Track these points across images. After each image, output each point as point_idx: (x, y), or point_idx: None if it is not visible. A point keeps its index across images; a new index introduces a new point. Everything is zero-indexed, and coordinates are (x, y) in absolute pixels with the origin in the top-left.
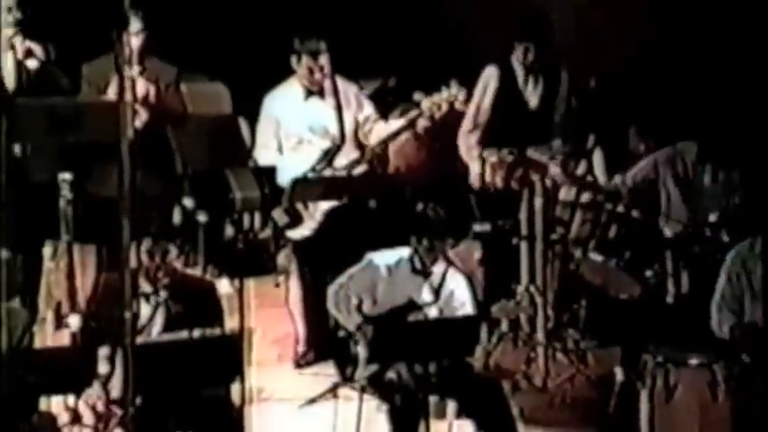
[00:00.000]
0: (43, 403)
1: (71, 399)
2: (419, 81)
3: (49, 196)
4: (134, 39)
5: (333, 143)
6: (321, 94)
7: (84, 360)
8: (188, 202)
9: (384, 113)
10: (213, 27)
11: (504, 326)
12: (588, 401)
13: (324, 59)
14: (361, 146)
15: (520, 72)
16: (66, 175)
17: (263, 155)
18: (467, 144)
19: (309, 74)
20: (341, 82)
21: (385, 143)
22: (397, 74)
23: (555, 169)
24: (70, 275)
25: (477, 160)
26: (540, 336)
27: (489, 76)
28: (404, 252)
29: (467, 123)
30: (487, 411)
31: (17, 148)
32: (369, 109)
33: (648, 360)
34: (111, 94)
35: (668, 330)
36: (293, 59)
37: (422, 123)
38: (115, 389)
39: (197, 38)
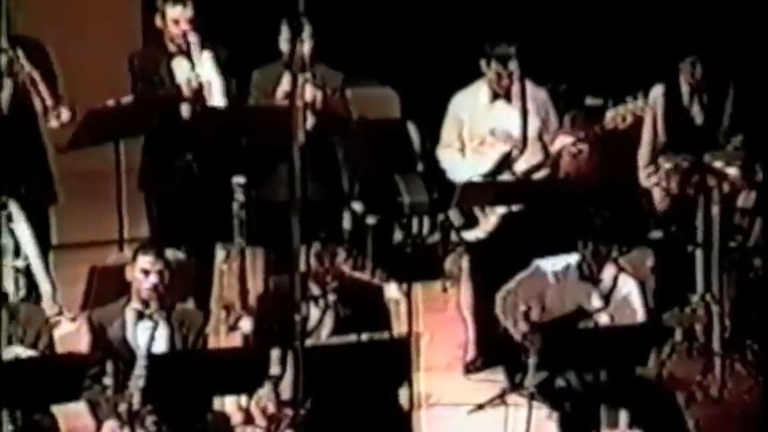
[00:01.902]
0: (217, 403)
1: (243, 399)
2: (590, 86)
3: (223, 199)
4: (304, 44)
5: (514, 147)
6: (508, 97)
7: (256, 361)
8: (357, 206)
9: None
10: (386, 33)
11: (678, 335)
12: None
13: (513, 65)
14: (545, 151)
15: (685, 89)
16: (239, 179)
17: (446, 154)
18: (646, 171)
19: (498, 78)
20: (530, 87)
21: (563, 151)
22: (567, 79)
23: (734, 172)
24: (242, 278)
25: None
26: (716, 346)
27: (656, 98)
28: (570, 259)
29: (644, 154)
30: (661, 422)
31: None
32: (554, 117)
33: None
34: (280, 98)
35: None
36: (482, 63)
37: (597, 132)
38: (286, 391)
39: (369, 43)
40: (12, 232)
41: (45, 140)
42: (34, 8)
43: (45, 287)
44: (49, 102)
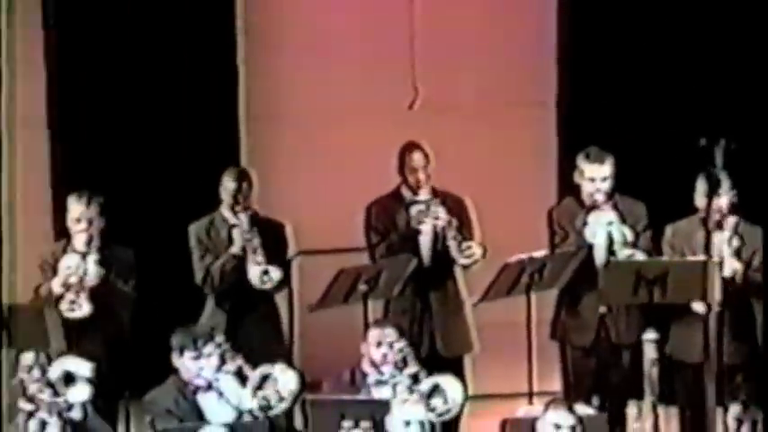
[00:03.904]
0: None
1: None
2: None
3: (635, 356)
4: (721, 198)
5: None
6: None
7: None
8: None
9: None
10: None
11: None
12: None
13: None
14: None
15: None
16: (650, 335)
17: None
18: None
19: None
20: None
21: None
22: None
23: None
24: None
25: None
26: None
27: None
28: None
29: None
30: None
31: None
32: None
33: None
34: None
35: None
36: None
37: None
38: None
39: None
40: None
41: (462, 291)
42: (452, 167)
43: None
44: (462, 242)
